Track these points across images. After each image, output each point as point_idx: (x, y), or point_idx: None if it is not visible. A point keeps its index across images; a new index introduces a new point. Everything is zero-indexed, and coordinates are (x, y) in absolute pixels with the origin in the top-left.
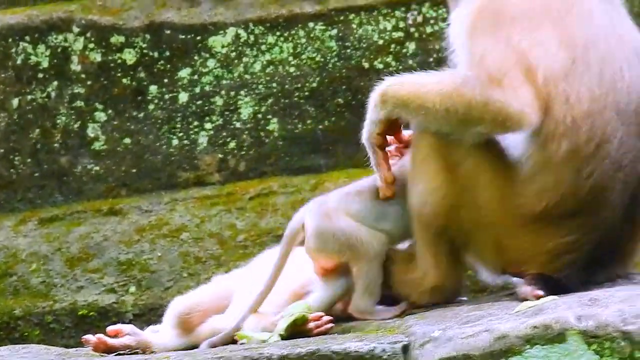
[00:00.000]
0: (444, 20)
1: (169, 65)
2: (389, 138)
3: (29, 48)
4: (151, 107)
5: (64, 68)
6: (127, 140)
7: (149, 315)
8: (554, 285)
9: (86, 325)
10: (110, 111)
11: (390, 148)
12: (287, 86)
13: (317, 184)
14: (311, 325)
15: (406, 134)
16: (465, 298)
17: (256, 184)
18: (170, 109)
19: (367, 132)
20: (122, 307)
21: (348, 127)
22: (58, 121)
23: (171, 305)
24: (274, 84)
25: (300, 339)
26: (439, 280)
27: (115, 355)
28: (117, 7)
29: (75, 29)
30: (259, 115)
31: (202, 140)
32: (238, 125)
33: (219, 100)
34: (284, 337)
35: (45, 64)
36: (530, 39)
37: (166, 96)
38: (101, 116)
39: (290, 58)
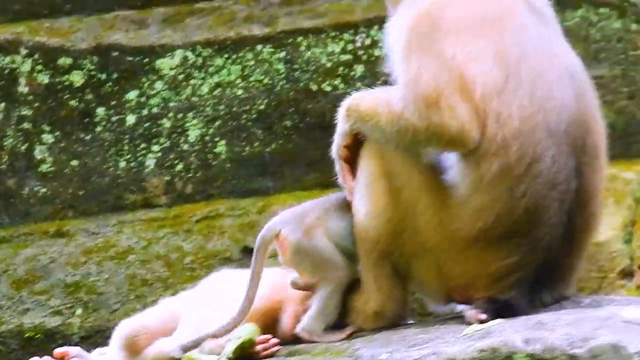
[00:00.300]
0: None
1: (116, 87)
2: None
3: None
4: (99, 129)
5: (12, 90)
6: (75, 162)
7: (95, 338)
8: (501, 308)
9: (33, 348)
10: (57, 133)
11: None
12: (235, 109)
13: (264, 206)
14: (259, 348)
15: None
16: (412, 321)
17: (203, 207)
18: (118, 131)
19: (335, 145)
20: (68, 329)
21: (296, 149)
22: (5, 143)
23: (118, 327)
24: (222, 107)
25: None
26: (381, 305)
27: None
28: (65, 29)
29: (23, 51)
30: (207, 138)
31: (150, 162)
32: (185, 147)
33: (166, 123)
34: None
35: None
36: (465, 53)
37: (113, 118)
38: (48, 138)
39: (238, 80)
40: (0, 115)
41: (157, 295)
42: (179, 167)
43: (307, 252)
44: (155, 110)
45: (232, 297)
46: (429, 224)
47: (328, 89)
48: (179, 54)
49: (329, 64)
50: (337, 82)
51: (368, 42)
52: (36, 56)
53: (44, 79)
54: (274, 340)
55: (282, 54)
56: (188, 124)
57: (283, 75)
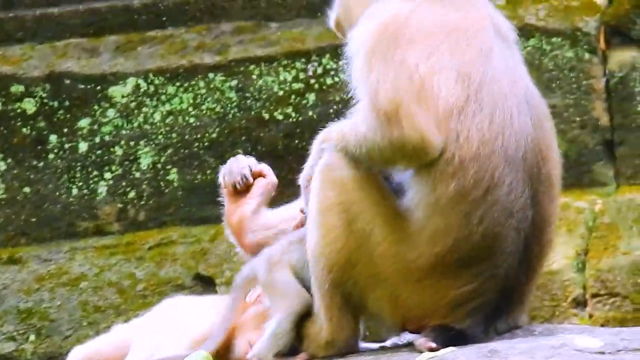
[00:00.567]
0: (344, 71)
1: (68, 115)
2: None
3: None
4: (51, 156)
5: None
6: (27, 189)
7: None
8: (455, 336)
9: None
10: (9, 160)
11: None
12: (187, 136)
13: (216, 234)
14: None
15: None
16: (365, 346)
17: (156, 234)
18: (70, 158)
19: (304, 175)
20: (21, 355)
21: None
22: None
23: (71, 353)
24: (174, 134)
25: None
26: (332, 335)
27: None
28: (17, 56)
29: None
30: (159, 165)
31: (102, 189)
32: (138, 175)
33: (118, 150)
34: None
35: None
36: (429, 64)
37: (66, 146)
38: (1, 165)
39: (190, 108)
40: None
41: (110, 322)
42: (131, 194)
43: (269, 286)
44: (107, 138)
45: (184, 324)
46: (385, 254)
47: (280, 117)
48: (131, 81)
49: (280, 92)
50: (289, 110)
51: (320, 70)
52: None
53: None
54: None
55: (234, 82)
56: (140, 152)
57: (235, 104)
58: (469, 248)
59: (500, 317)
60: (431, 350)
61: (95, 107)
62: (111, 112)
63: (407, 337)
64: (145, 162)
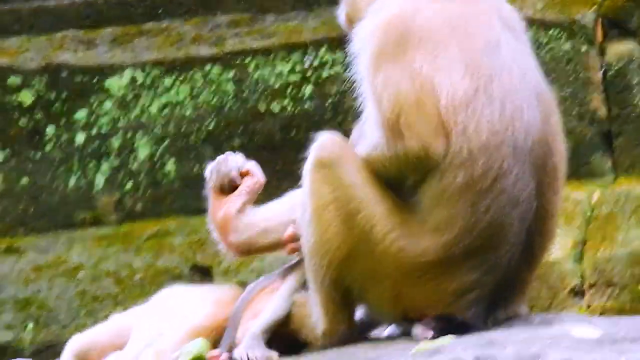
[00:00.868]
0: (341, 63)
1: (65, 107)
2: None
3: None
4: (48, 147)
5: None
6: (25, 180)
7: (47, 353)
8: (455, 325)
9: None
10: (7, 151)
11: None
12: (183, 128)
13: None
14: None
15: None
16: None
17: (153, 224)
18: (68, 149)
19: None
20: (20, 344)
21: None
22: None
23: (69, 342)
24: (171, 126)
25: None
26: (328, 327)
27: None
28: (14, 48)
29: None
30: (156, 157)
31: (99, 180)
32: (135, 166)
33: (115, 142)
34: None
35: None
36: (434, 63)
37: (63, 137)
38: None
39: (187, 100)
40: None
41: (108, 312)
42: (129, 185)
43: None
44: (104, 129)
45: (183, 313)
46: (387, 251)
47: (276, 109)
48: (127, 73)
49: (277, 85)
50: (285, 102)
51: (316, 62)
52: None
53: None
54: (225, 356)
55: (231, 74)
56: (137, 143)
57: (231, 96)
58: (474, 237)
59: (500, 306)
60: (429, 339)
61: (92, 98)
62: (108, 104)
63: (405, 325)
64: (142, 153)
